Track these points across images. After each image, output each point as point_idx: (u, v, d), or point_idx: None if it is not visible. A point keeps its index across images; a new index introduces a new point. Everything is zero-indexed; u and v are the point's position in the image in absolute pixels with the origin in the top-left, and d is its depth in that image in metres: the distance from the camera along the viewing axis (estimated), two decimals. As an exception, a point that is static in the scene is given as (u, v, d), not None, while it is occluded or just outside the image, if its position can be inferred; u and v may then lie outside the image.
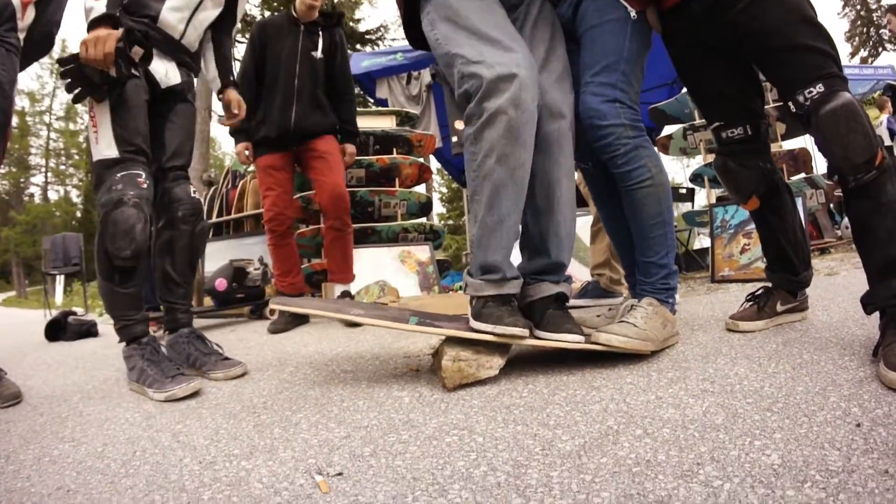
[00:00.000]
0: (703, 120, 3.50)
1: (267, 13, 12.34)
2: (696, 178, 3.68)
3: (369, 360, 1.72)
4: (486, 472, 0.89)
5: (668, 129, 4.15)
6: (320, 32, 2.70)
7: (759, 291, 1.58)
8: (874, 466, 0.77)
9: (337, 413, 1.24)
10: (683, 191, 4.27)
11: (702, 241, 5.47)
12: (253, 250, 3.55)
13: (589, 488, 0.80)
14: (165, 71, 1.77)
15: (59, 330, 2.96)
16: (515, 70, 1.28)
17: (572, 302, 2.22)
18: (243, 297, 3.09)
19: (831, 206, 3.42)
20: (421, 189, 4.24)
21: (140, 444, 1.17)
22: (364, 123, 3.84)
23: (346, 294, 2.84)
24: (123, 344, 1.68)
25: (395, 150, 3.73)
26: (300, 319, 2.60)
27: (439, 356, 1.34)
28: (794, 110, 1.24)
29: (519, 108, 1.28)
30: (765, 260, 1.64)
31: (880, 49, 20.08)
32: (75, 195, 28.67)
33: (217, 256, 3.67)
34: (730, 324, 1.53)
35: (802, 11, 1.26)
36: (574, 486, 0.82)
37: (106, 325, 3.59)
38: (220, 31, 1.99)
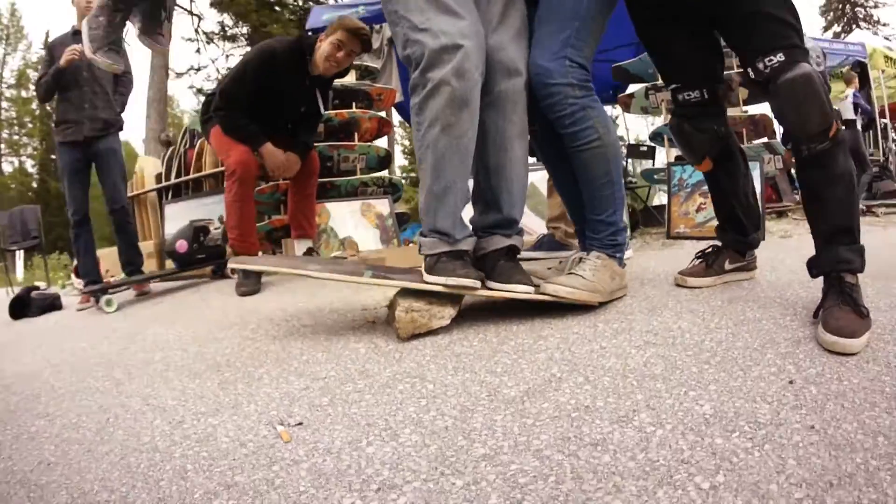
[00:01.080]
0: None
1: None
2: (656, 136, 3.73)
3: (328, 314, 1.75)
4: (435, 416, 0.95)
5: (632, 88, 4.17)
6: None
7: (709, 249, 1.63)
8: (801, 421, 0.81)
9: (297, 367, 1.28)
10: (645, 148, 4.34)
11: (661, 197, 5.60)
12: (213, 209, 3.48)
13: (529, 431, 0.87)
14: None
15: (23, 307, 2.88)
16: (460, 40, 1.28)
17: (527, 254, 2.29)
18: (204, 257, 3.05)
19: (791, 171, 3.53)
20: (381, 143, 4.17)
21: (112, 411, 1.21)
22: (322, 76, 3.74)
23: (310, 250, 2.85)
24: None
25: (354, 104, 3.65)
26: (267, 279, 2.62)
27: (393, 307, 1.38)
28: (752, 77, 1.25)
29: (462, 77, 1.29)
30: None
31: (853, 26, 20.26)
32: (30, 165, 27.22)
33: (177, 217, 3.60)
34: (678, 279, 1.59)
35: None
36: (516, 429, 0.88)
37: (69, 296, 3.53)
38: None
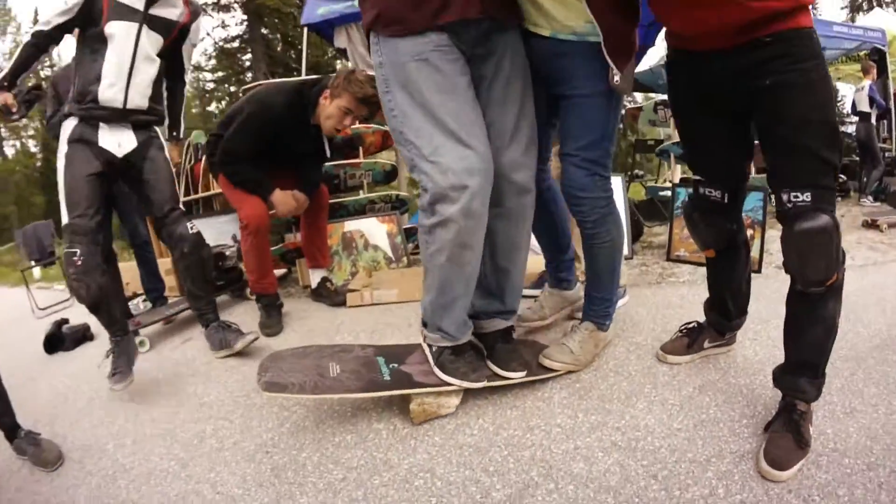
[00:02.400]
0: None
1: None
2: (663, 153, 3.97)
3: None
4: (441, 517, 1.38)
5: (640, 98, 4.35)
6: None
7: (692, 325, 1.93)
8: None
9: (332, 452, 1.70)
10: (652, 142, 4.58)
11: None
12: (225, 228, 3.83)
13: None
14: (118, 143, 2.26)
15: (57, 342, 3.22)
16: (467, 180, 1.49)
17: (528, 292, 2.66)
18: (224, 283, 3.44)
19: None
20: (385, 155, 4.46)
21: (190, 499, 1.60)
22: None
23: (325, 280, 3.24)
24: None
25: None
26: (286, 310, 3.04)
27: (407, 396, 1.78)
28: (773, 204, 1.41)
29: (469, 216, 1.53)
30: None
31: (874, 3, 19.03)
32: (32, 145, 27.35)
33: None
34: (660, 355, 1.93)
35: (825, 113, 1.32)
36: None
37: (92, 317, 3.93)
38: (173, 79, 2.44)
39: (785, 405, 1.45)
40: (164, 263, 4.01)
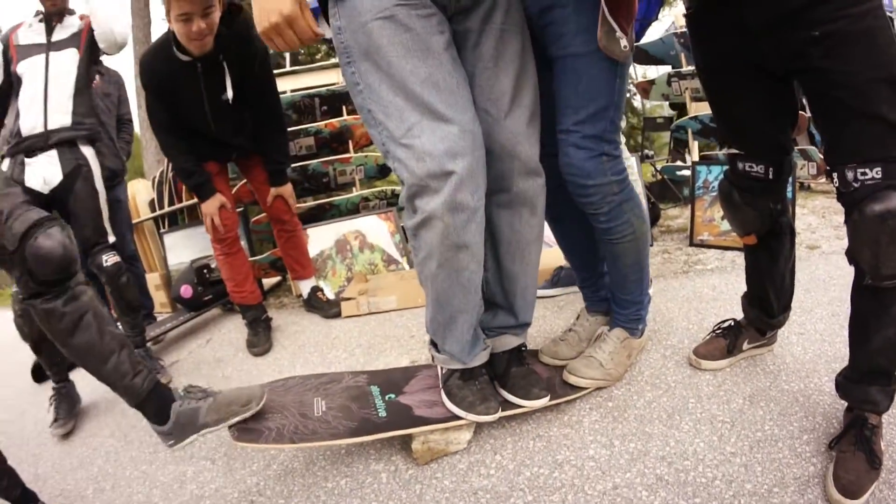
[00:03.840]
0: (691, 67, 3.36)
1: None
2: (679, 129, 3.66)
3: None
4: None
5: (651, 72, 4.07)
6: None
7: (729, 324, 1.68)
8: None
9: (324, 500, 1.43)
10: (661, 120, 4.28)
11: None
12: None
13: None
14: (43, 179, 2.24)
15: (44, 372, 3.03)
16: (449, 165, 1.17)
17: (542, 292, 2.39)
18: (211, 297, 3.19)
19: (811, 127, 3.46)
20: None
21: None
22: (307, 81, 3.72)
23: (314, 290, 2.97)
24: None
25: (344, 109, 3.63)
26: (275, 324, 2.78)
27: (410, 434, 1.51)
28: (835, 183, 1.13)
29: (456, 210, 1.20)
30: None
31: None
32: None
33: (178, 247, 3.73)
34: (693, 361, 1.67)
35: (890, 68, 1.06)
36: None
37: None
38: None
39: (853, 419, 1.24)
40: (153, 279, 3.78)
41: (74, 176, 2.28)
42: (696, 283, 2.40)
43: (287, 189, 2.72)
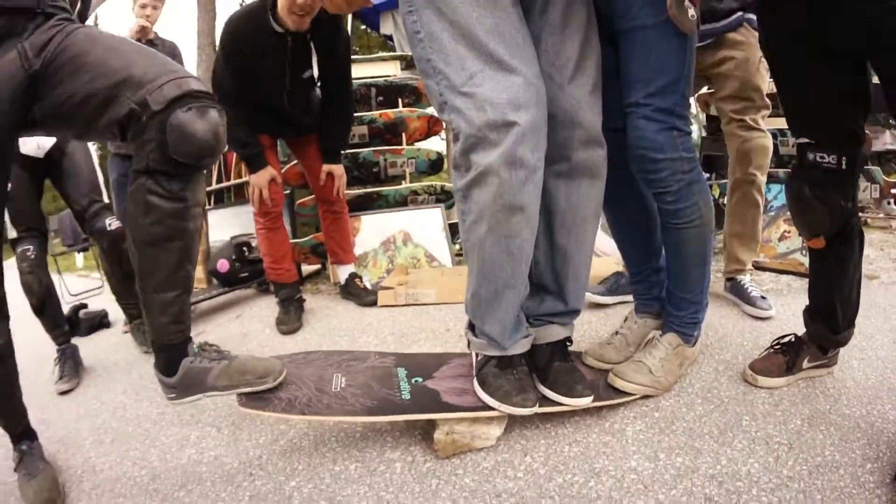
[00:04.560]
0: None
1: None
2: None
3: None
4: None
5: None
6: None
7: (789, 340, 1.52)
8: None
9: (329, 483, 1.29)
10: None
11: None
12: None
13: None
14: (37, 144, 2.21)
15: (72, 327, 3.04)
16: (512, 115, 1.09)
17: (594, 298, 2.20)
18: (247, 275, 3.13)
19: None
20: (431, 143, 4.06)
21: None
22: (365, 71, 3.67)
23: (352, 276, 2.86)
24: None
25: (400, 101, 3.56)
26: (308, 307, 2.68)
27: (433, 421, 1.34)
28: None
29: (514, 166, 1.11)
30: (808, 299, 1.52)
31: None
32: None
33: (221, 225, 3.71)
34: (749, 376, 1.50)
35: None
36: None
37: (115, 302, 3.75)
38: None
39: None
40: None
41: (66, 138, 2.24)
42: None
43: (339, 169, 2.66)
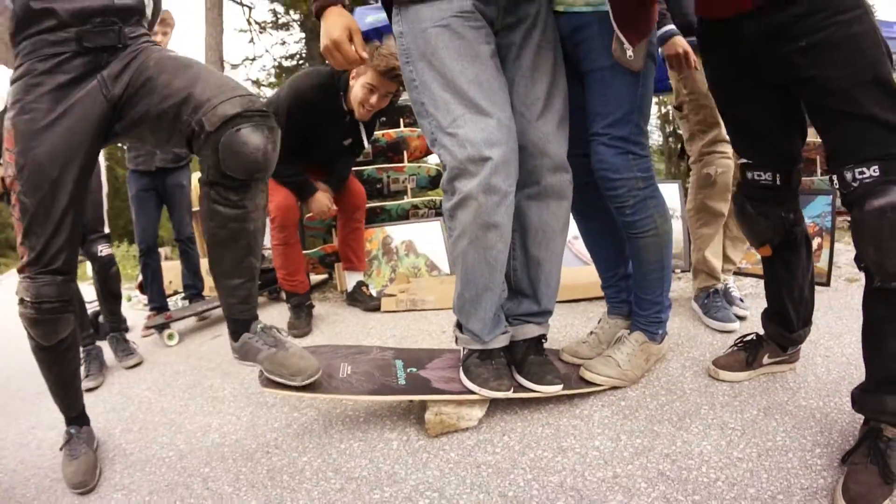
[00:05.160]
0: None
1: None
2: None
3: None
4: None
5: None
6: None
7: (750, 338, 1.67)
8: None
9: (335, 458, 1.49)
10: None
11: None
12: (267, 229, 3.75)
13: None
14: None
15: (94, 331, 3.26)
16: (487, 151, 1.31)
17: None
18: (260, 283, 3.34)
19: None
20: (432, 158, 4.28)
21: (178, 491, 1.47)
22: (368, 93, 3.89)
23: (360, 284, 3.07)
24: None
25: (401, 121, 3.79)
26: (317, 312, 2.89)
27: (424, 405, 1.55)
28: (836, 186, 1.15)
29: (490, 192, 1.33)
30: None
31: None
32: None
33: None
34: (711, 371, 1.66)
35: (877, 70, 1.10)
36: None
37: (134, 310, 3.97)
38: None
39: (867, 431, 1.19)
40: (206, 263, 3.98)
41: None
42: (728, 308, 2.34)
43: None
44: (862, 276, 1.21)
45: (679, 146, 5.18)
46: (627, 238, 1.63)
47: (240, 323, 1.60)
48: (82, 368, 2.43)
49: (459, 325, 1.58)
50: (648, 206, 1.55)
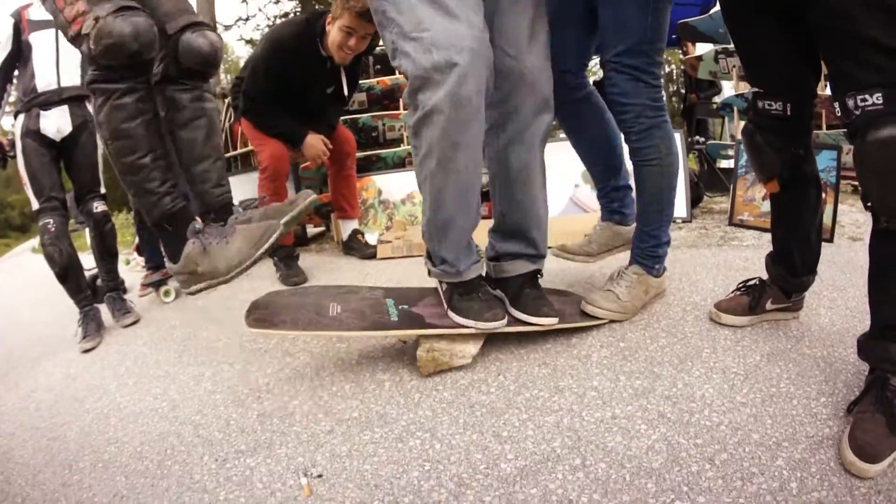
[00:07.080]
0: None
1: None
2: (725, 107, 3.46)
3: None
4: (434, 486, 1.08)
5: (700, 49, 3.85)
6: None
7: (753, 283, 1.58)
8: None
9: (326, 400, 1.42)
10: (714, 106, 4.04)
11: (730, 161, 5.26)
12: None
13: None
14: (56, 128, 2.46)
15: (91, 294, 3.19)
16: (455, 57, 1.13)
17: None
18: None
19: None
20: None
21: (169, 440, 1.41)
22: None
23: (355, 232, 2.98)
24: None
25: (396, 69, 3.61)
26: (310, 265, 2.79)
27: (417, 342, 1.47)
28: (839, 114, 1.07)
29: (458, 105, 1.16)
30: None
31: None
32: None
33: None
34: (713, 313, 1.57)
35: None
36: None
37: (133, 272, 3.88)
38: None
39: (874, 380, 1.11)
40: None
41: (81, 129, 2.51)
42: (728, 254, 2.25)
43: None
44: (865, 237, 1.11)
45: (681, 106, 5.00)
46: (634, 165, 1.58)
47: (223, 210, 1.70)
48: (79, 330, 2.47)
49: (430, 257, 1.48)
50: (654, 134, 1.51)
